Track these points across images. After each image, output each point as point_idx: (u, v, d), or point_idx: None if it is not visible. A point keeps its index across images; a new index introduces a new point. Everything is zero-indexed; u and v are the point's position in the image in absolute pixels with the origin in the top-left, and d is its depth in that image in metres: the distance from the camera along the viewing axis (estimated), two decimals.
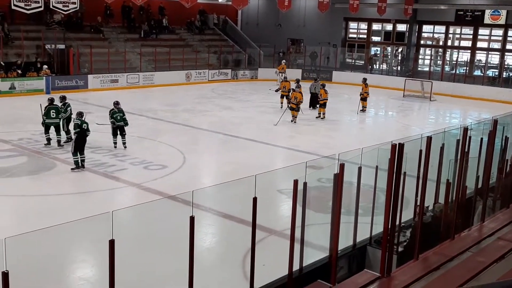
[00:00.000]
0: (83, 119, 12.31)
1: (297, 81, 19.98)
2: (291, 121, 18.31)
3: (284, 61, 29.09)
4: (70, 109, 14.58)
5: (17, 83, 21.86)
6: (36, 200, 10.53)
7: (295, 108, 18.27)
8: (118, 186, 11.51)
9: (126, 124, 14.05)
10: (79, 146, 12.03)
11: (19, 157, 13.14)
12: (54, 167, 12.48)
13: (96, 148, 13.99)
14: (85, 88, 23.80)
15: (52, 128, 13.97)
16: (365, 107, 21.70)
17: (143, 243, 8.17)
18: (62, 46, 24.69)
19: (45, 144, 13.92)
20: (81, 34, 27.17)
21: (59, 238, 7.30)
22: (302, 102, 18.42)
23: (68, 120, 14.39)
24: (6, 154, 13.32)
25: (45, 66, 22.94)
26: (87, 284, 7.43)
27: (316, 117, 19.69)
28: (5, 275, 3.91)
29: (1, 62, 22.13)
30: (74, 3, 16.65)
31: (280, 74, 26.73)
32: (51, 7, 16.77)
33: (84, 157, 12.24)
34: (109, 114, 14.05)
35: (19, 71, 22.20)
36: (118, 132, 13.97)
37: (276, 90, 22.31)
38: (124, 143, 14.01)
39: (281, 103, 21.05)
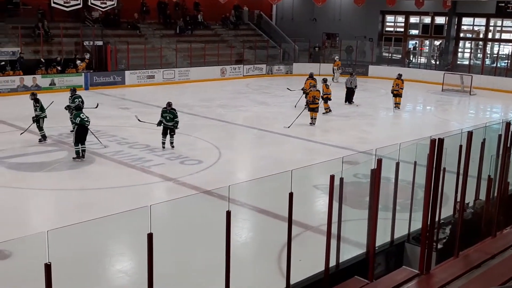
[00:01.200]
0: (81, 111, 12.77)
1: (311, 74, 19.62)
2: (310, 123, 17.02)
3: (337, 57, 28.64)
4: (79, 101, 14.42)
5: (57, 79, 22.39)
6: (76, 194, 10.78)
7: (315, 109, 17.03)
8: (155, 180, 11.66)
9: (175, 126, 13.82)
10: (80, 137, 12.45)
11: (59, 151, 13.46)
12: (93, 161, 12.73)
13: (134, 143, 14.21)
14: (122, 84, 24.21)
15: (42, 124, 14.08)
16: (399, 104, 20.77)
17: (180, 237, 8.25)
18: (100, 43, 25.17)
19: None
20: (118, 30, 27.62)
21: (99, 231, 7.45)
22: (318, 99, 17.18)
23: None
24: (47, 149, 13.67)
25: (78, 61, 23.38)
26: (126, 277, 7.56)
27: (323, 113, 18.86)
28: (48, 266, 4.00)
29: (42, 59, 22.70)
30: (111, 0, 16.92)
31: (338, 71, 26.70)
32: (89, 4, 17.08)
33: (85, 147, 12.64)
34: (161, 113, 13.91)
35: (59, 68, 22.73)
36: (168, 132, 13.75)
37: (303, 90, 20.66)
38: (171, 143, 13.81)
39: (325, 108, 19.56)
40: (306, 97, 18.69)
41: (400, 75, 20.93)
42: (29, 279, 6.82)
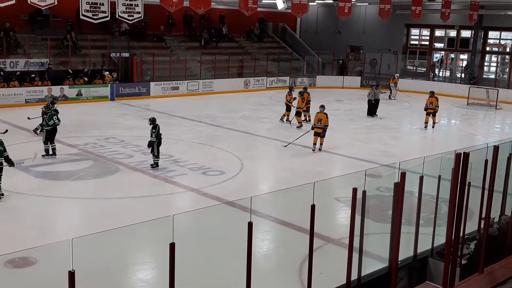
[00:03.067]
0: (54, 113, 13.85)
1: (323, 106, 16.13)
2: (312, 150, 15.31)
3: (397, 74, 28.15)
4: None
5: (84, 90, 22.79)
6: (100, 203, 10.92)
7: (320, 133, 15.22)
8: (177, 191, 11.74)
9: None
10: (51, 136, 13.61)
11: (85, 161, 13.67)
12: (118, 171, 12.89)
13: None
14: (147, 95, 24.51)
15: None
16: (435, 123, 19.49)
17: (202, 247, 8.28)
18: (126, 55, 25.58)
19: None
20: (145, 42, 28.02)
21: (122, 240, 7.53)
22: (328, 125, 15.35)
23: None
24: (73, 158, 13.90)
25: (106, 73, 23.79)
26: (148, 286, 7.61)
27: (294, 125, 18.62)
28: (72, 274, 4.07)
29: (70, 70, 23.15)
30: (138, 12, 17.18)
31: (396, 88, 26.60)
32: (117, 16, 17.36)
33: (55, 145, 13.71)
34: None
35: (86, 79, 23.14)
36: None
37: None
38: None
39: (285, 115, 19.30)
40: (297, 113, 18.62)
41: (432, 93, 19.69)
42: (53, 286, 6.92)
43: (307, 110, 19.31)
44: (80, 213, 10.50)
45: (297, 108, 18.70)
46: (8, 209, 10.16)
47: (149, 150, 13.08)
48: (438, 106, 19.34)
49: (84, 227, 9.24)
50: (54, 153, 13.70)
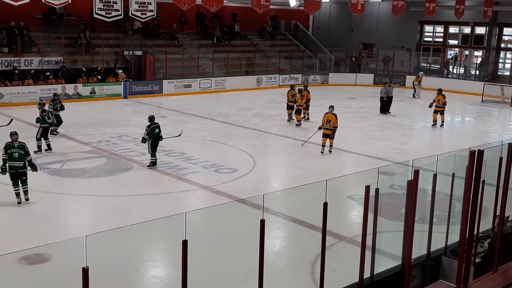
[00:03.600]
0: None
1: (332, 107, 15.17)
2: (321, 152, 14.71)
3: (421, 73, 27.75)
4: (59, 106, 15.65)
5: (97, 88, 22.94)
6: (113, 200, 10.99)
7: (329, 135, 14.61)
8: (190, 188, 11.78)
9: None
10: (46, 133, 14.05)
11: (98, 158, 13.76)
12: (131, 168, 12.96)
13: (170, 151, 14.40)
14: (160, 93, 24.61)
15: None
16: (443, 121, 19.32)
17: (214, 245, 8.31)
18: (139, 53, 25.70)
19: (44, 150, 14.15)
20: (157, 41, 28.13)
21: (135, 237, 7.58)
22: (337, 126, 14.72)
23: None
24: (87, 155, 14.00)
25: (120, 71, 23.94)
26: (160, 283, 7.65)
27: (294, 123, 18.52)
28: (85, 270, 4.10)
29: (83, 68, 23.32)
30: (151, 10, 17.27)
31: (419, 86, 26.28)
32: (130, 15, 17.46)
33: (49, 141, 14.10)
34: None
35: (99, 77, 23.29)
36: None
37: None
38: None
39: (289, 114, 19.02)
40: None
41: (440, 90, 19.41)
42: (67, 282, 6.99)
43: (307, 108, 19.27)
44: (94, 210, 10.58)
45: (297, 106, 18.55)
46: (22, 206, 10.26)
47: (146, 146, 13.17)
48: (445, 104, 19.10)
49: (97, 224, 9.31)
50: (49, 148, 14.03)
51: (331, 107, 15.07)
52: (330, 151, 14.81)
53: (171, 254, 8.01)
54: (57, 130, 15.81)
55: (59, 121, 15.79)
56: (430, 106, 19.39)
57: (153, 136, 12.81)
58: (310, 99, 19.47)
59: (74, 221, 10.13)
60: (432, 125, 19.11)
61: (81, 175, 12.35)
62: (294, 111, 18.71)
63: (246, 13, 29.78)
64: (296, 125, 18.45)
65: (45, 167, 12.03)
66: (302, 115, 18.91)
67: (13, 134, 10.25)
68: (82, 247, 4.01)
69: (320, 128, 14.90)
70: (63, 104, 15.98)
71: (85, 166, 13.01)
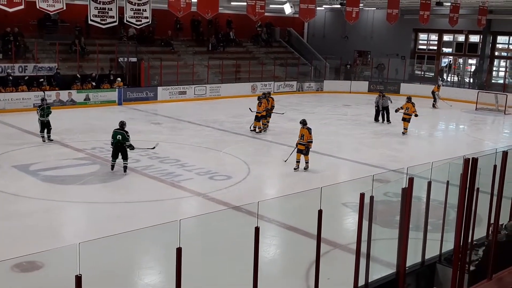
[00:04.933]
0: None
1: (303, 121, 14.00)
2: (294, 168, 13.67)
3: (440, 82, 27.49)
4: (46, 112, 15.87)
5: (92, 94, 22.90)
6: (107, 207, 10.93)
7: (303, 151, 13.63)
8: (184, 195, 11.74)
9: (126, 148, 12.85)
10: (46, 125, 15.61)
11: (92, 165, 13.70)
12: (125, 175, 12.90)
13: (164, 158, 14.37)
14: (154, 100, 24.59)
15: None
16: (406, 129, 18.98)
17: (209, 252, 8.27)
18: (134, 59, 25.69)
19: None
20: (152, 47, 28.14)
21: (129, 244, 7.52)
22: (311, 141, 13.67)
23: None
24: (80, 162, 13.94)
25: (118, 79, 23.93)
26: None
27: (253, 131, 18.23)
28: (78, 278, 4.06)
29: (78, 75, 23.28)
30: (146, 17, 17.23)
31: (437, 94, 25.98)
32: (125, 21, 17.42)
33: (49, 134, 15.62)
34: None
35: (94, 83, 23.25)
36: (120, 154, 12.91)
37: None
38: (125, 168, 12.95)
39: (255, 126, 18.36)
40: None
41: (409, 98, 19.22)
42: None
43: (269, 115, 18.77)
44: (87, 218, 10.52)
45: (256, 112, 18.17)
46: (15, 213, 10.20)
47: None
48: (415, 112, 18.76)
49: (91, 231, 9.25)
50: (50, 139, 15.59)
51: (303, 121, 13.87)
52: (305, 168, 13.63)
53: (165, 262, 7.96)
54: (51, 138, 15.71)
55: (48, 126, 15.70)
56: (397, 111, 19.28)
57: (114, 141, 12.77)
58: (274, 106, 19.10)
59: (68, 228, 10.07)
60: (403, 132, 18.92)
61: (74, 182, 12.29)
62: (262, 120, 18.36)
63: (241, 20, 29.82)
64: (256, 132, 18.18)
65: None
66: (261, 123, 18.41)
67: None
68: (75, 254, 3.97)
69: (297, 145, 13.83)
70: (50, 109, 15.91)
71: (79, 173, 12.95)
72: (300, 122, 13.91)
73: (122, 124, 12.98)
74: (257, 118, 18.33)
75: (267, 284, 5.79)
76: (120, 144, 12.76)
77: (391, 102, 21.10)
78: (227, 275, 7.78)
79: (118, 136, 12.77)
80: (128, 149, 12.88)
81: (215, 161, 14.60)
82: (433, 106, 25.93)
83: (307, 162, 13.73)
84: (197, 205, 11.32)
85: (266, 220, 9.39)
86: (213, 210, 10.14)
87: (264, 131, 18.41)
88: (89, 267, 4.23)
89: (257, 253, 5.05)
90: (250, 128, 18.62)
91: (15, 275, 7.63)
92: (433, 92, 26.25)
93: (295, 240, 9.36)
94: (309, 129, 13.68)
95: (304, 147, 13.61)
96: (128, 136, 12.83)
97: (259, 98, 18.66)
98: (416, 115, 18.91)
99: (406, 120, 18.83)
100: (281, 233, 9.82)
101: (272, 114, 18.94)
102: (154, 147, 14.04)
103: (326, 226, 5.59)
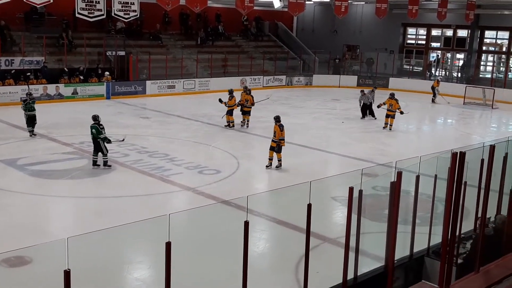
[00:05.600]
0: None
1: (277, 118, 13.37)
2: (266, 166, 13.26)
3: (439, 78, 27.22)
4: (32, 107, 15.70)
5: (79, 88, 22.72)
6: (95, 202, 10.88)
7: (274, 148, 13.10)
8: (173, 190, 11.72)
9: (103, 141, 12.71)
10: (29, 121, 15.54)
11: (80, 160, 13.62)
12: (113, 170, 12.85)
13: (153, 152, 14.33)
14: (143, 94, 24.47)
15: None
16: (391, 125, 18.84)
17: (198, 247, 8.26)
18: (122, 53, 25.51)
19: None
20: (141, 41, 27.97)
21: (118, 239, 7.50)
22: (283, 139, 13.06)
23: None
24: (68, 156, 13.85)
25: (106, 73, 23.77)
26: (144, 285, 7.60)
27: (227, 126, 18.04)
28: (67, 273, 4.04)
29: (65, 68, 23.08)
30: (134, 11, 17.15)
31: (437, 90, 25.81)
32: (112, 15, 17.31)
33: (32, 129, 15.53)
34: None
35: (81, 77, 23.07)
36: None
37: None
38: (105, 162, 12.84)
39: (229, 121, 18.08)
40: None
41: (393, 94, 19.07)
42: (49, 285, 6.90)
43: (248, 113, 18.37)
44: (76, 212, 10.46)
45: (228, 106, 18.03)
46: (3, 207, 10.12)
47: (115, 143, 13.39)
48: (400, 109, 18.63)
49: (80, 226, 9.21)
50: (33, 133, 15.50)
51: (276, 117, 13.32)
52: (277, 166, 13.15)
53: (154, 256, 7.94)
54: (34, 133, 15.59)
55: (33, 121, 15.57)
56: (379, 107, 19.10)
57: (92, 135, 12.71)
58: (249, 101, 18.57)
59: (56, 223, 10.01)
60: (384, 127, 18.78)
61: (62, 176, 12.21)
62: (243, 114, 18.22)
63: (230, 14, 29.79)
64: (230, 126, 18.00)
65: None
66: (242, 120, 18.21)
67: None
68: (64, 249, 3.95)
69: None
70: (31, 104, 15.61)
71: (67, 167, 12.86)
72: (274, 118, 13.38)
73: (95, 118, 12.86)
74: (229, 112, 18.10)
75: (256, 278, 5.81)
76: (93, 137, 12.66)
77: (373, 101, 20.69)
78: (216, 269, 7.79)
79: (93, 130, 12.68)
80: (104, 143, 12.68)
81: (204, 156, 14.58)
82: (433, 101, 25.96)
83: (279, 160, 13.22)
84: (187, 199, 11.31)
85: (255, 214, 9.40)
86: (202, 204, 10.13)
87: (247, 126, 18.16)
88: (78, 262, 4.21)
89: (246, 247, 5.06)
90: (224, 122, 18.26)
91: (3, 270, 7.58)
92: (433, 88, 26.20)
93: (284, 234, 9.39)
94: (281, 126, 13.02)
95: (275, 144, 13.09)
96: (102, 129, 12.72)
97: (230, 92, 18.35)
98: (401, 112, 18.77)
99: (390, 116, 18.68)
100: (271, 227, 9.84)
101: (250, 112, 18.34)
102: (123, 139, 13.92)
103: (315, 220, 5.61)
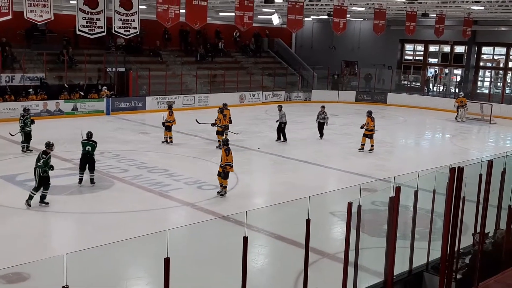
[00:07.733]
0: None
1: (224, 141, 12.87)
2: (218, 192, 12.28)
3: (461, 93, 26.79)
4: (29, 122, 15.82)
5: (80, 104, 22.80)
6: (95, 217, 10.87)
7: (221, 173, 12.11)
8: (172, 205, 11.71)
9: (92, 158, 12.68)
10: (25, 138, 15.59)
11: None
12: (112, 185, 12.85)
13: (153, 168, 14.33)
14: (142, 109, 24.54)
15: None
16: (373, 146, 17.61)
17: (197, 262, 8.24)
18: (122, 69, 25.64)
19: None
20: (141, 57, 28.14)
21: (117, 255, 7.48)
22: (230, 164, 12.12)
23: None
24: (68, 172, 13.84)
25: (104, 87, 23.86)
26: None
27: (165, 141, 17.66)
28: None
29: (65, 84, 23.18)
30: (135, 27, 17.21)
31: (461, 109, 25.21)
32: (113, 31, 17.40)
33: (26, 145, 15.52)
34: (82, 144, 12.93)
35: (81, 93, 23.16)
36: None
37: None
38: (92, 179, 12.72)
39: (219, 140, 17.05)
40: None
41: (370, 112, 17.68)
42: None
43: (222, 134, 17.33)
44: (75, 228, 10.44)
45: (167, 122, 17.63)
46: (2, 223, 10.09)
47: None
48: (374, 128, 17.45)
49: (79, 241, 9.19)
50: (24, 150, 15.56)
51: (224, 141, 12.91)
52: (221, 194, 12.11)
53: (153, 272, 7.92)
54: (30, 148, 15.59)
55: (29, 138, 15.61)
56: (362, 127, 17.73)
57: (83, 152, 12.68)
58: (230, 121, 17.77)
59: (55, 238, 9.99)
60: (359, 149, 17.55)
61: (62, 192, 12.20)
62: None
63: (230, 30, 30.02)
64: (167, 142, 17.58)
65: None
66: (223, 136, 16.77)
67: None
68: (62, 265, 3.95)
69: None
70: (26, 121, 15.64)
71: (66, 183, 12.85)
72: (222, 141, 12.35)
73: (91, 135, 12.90)
74: (168, 128, 17.70)
75: None
76: (90, 155, 12.66)
77: (326, 121, 19.56)
78: (215, 285, 7.77)
79: (88, 147, 12.67)
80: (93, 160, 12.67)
81: (203, 171, 14.58)
82: (456, 119, 25.21)
83: (224, 187, 12.12)
84: (186, 214, 11.29)
85: (254, 229, 9.39)
86: (201, 219, 10.12)
87: (218, 147, 16.74)
88: (76, 278, 4.21)
89: (245, 263, 5.06)
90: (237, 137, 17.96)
91: (1, 287, 7.54)
92: (456, 106, 25.41)
93: (283, 250, 9.37)
94: (227, 151, 11.97)
95: (221, 169, 12.02)
96: (96, 146, 12.84)
97: (220, 110, 17.73)
98: (371, 130, 17.39)
99: (366, 136, 17.50)
100: (270, 243, 9.82)
101: (225, 132, 17.43)
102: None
103: (314, 235, 5.61)
